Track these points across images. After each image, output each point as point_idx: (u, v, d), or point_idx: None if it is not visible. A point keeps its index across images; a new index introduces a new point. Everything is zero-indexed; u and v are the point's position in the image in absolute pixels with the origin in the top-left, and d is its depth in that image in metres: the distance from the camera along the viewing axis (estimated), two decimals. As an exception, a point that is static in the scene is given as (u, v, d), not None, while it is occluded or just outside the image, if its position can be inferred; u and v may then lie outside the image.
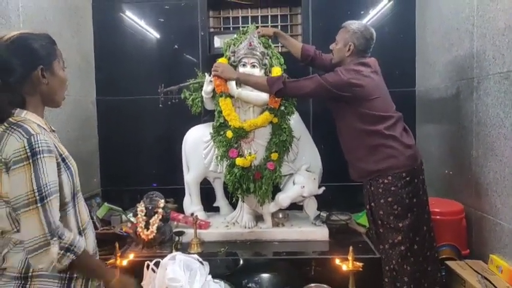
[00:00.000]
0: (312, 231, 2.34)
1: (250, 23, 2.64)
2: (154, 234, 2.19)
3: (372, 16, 2.89)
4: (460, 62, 2.29)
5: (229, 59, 2.33)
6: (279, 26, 2.98)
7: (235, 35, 2.44)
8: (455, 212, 2.22)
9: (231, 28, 3.03)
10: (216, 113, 2.34)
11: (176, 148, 2.54)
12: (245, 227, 2.36)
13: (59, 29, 2.50)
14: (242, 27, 2.51)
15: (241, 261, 2.07)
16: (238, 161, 2.24)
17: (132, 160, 2.97)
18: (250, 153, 2.29)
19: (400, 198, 1.92)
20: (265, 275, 2.04)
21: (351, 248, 1.79)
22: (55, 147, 1.14)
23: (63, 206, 1.15)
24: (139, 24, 2.99)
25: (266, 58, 2.31)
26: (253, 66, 2.27)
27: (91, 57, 2.97)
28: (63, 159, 1.17)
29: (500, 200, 1.92)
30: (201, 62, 2.90)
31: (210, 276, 1.76)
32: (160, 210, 2.25)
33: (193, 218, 2.24)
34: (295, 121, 2.39)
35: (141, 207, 2.24)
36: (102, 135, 3.02)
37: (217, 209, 2.67)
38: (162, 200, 2.30)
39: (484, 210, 2.08)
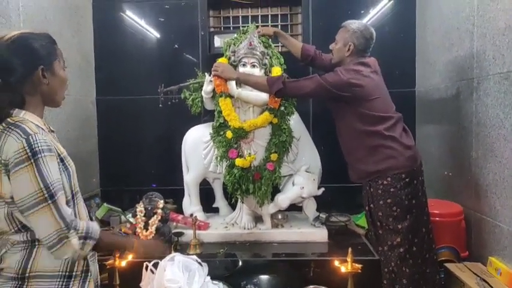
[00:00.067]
0: (311, 233, 2.34)
1: (250, 22, 2.64)
2: (153, 234, 2.18)
3: (372, 16, 2.88)
4: (460, 62, 2.28)
5: (229, 58, 2.32)
6: (279, 26, 2.98)
7: (235, 35, 2.43)
8: (454, 213, 2.21)
9: (231, 28, 3.03)
10: (215, 113, 2.34)
11: (176, 148, 2.54)
12: (244, 228, 2.36)
13: (59, 29, 2.50)
14: (242, 26, 2.51)
15: (240, 263, 2.07)
16: (238, 162, 2.24)
17: (132, 160, 2.97)
18: (249, 153, 2.29)
19: (399, 200, 1.91)
20: (264, 277, 2.03)
21: (350, 250, 1.78)
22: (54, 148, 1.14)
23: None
24: (140, 23, 2.99)
25: (266, 58, 2.30)
26: (253, 66, 2.26)
27: (91, 56, 2.97)
28: (62, 160, 1.18)
29: (500, 201, 1.92)
30: (201, 61, 2.90)
31: (208, 277, 1.75)
32: (159, 210, 2.25)
33: (192, 218, 2.24)
34: (295, 121, 2.39)
35: (140, 207, 2.24)
36: (102, 135, 3.02)
37: (216, 210, 2.67)
38: (162, 201, 2.30)
39: (483, 212, 2.08)
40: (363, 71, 1.97)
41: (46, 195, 1.06)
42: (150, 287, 1.65)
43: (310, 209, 2.40)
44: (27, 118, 1.13)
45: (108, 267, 1.85)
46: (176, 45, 2.97)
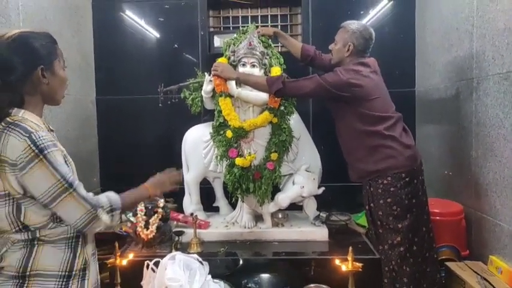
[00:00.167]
0: (311, 232, 2.34)
1: (250, 22, 2.64)
2: (154, 233, 2.19)
3: (372, 16, 2.89)
4: (460, 62, 2.29)
5: (229, 58, 2.33)
6: (279, 26, 2.98)
7: (235, 35, 2.43)
8: (454, 212, 2.22)
9: (231, 28, 3.03)
10: (215, 112, 2.34)
11: (176, 148, 2.54)
12: (245, 227, 2.36)
13: (59, 29, 2.50)
14: (242, 26, 2.51)
15: (241, 261, 2.07)
16: (238, 161, 2.24)
17: (132, 160, 2.96)
18: (249, 153, 2.29)
19: (399, 199, 1.92)
20: (264, 275, 2.04)
21: (350, 249, 1.80)
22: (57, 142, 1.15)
23: None
24: (139, 23, 2.99)
25: (266, 58, 2.31)
26: (253, 65, 2.26)
27: (91, 56, 2.97)
28: (63, 157, 1.18)
29: (500, 200, 1.92)
30: (201, 61, 2.90)
31: (209, 276, 1.75)
32: (160, 209, 2.25)
33: (192, 217, 2.24)
34: (295, 121, 2.39)
35: (140, 206, 2.24)
36: (102, 135, 3.02)
37: (216, 209, 2.67)
38: (162, 200, 2.30)
39: (483, 211, 2.08)
40: (362, 71, 1.97)
41: (66, 185, 1.08)
42: (151, 286, 1.66)
43: (311, 208, 2.41)
44: (27, 117, 1.13)
45: (109, 266, 1.86)
46: (176, 45, 2.97)
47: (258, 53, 2.26)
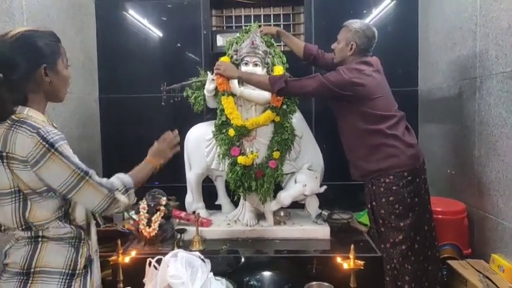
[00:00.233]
0: (313, 230, 2.34)
1: (252, 21, 2.64)
2: (156, 231, 2.19)
3: (375, 15, 2.89)
4: (463, 61, 2.29)
5: (231, 57, 2.33)
6: (282, 25, 2.98)
7: (237, 34, 2.44)
8: (457, 211, 2.21)
9: (234, 27, 3.04)
10: (218, 111, 2.35)
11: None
12: (247, 225, 2.36)
13: (62, 27, 2.51)
14: (245, 26, 2.52)
15: (243, 259, 2.08)
16: (240, 159, 2.24)
17: (134, 158, 2.96)
18: (252, 151, 2.29)
19: (401, 198, 1.91)
20: (266, 273, 2.04)
21: (352, 247, 1.80)
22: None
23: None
24: (142, 22, 3.00)
25: (268, 57, 2.31)
26: (256, 64, 2.27)
27: (94, 55, 2.98)
28: None
29: (502, 199, 1.92)
30: (204, 60, 2.91)
31: (211, 273, 1.76)
32: (162, 207, 2.26)
33: (195, 215, 2.24)
34: (297, 120, 2.40)
35: (143, 204, 2.25)
36: (105, 133, 3.03)
37: (219, 207, 2.68)
38: (164, 198, 2.31)
39: (486, 210, 2.08)
40: (365, 70, 1.97)
41: (82, 174, 1.12)
42: (153, 283, 1.66)
43: (313, 206, 2.41)
44: (31, 115, 1.14)
45: (111, 263, 1.87)
46: (179, 44, 2.98)
47: (260, 52, 2.27)
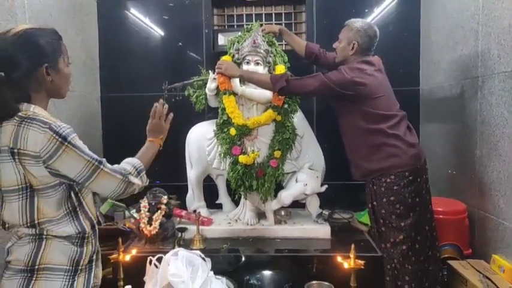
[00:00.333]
0: (314, 229, 2.34)
1: (254, 20, 2.65)
2: (157, 230, 2.20)
3: (377, 14, 2.88)
4: (465, 60, 2.28)
5: (233, 56, 2.33)
6: (283, 24, 2.98)
7: (239, 33, 2.44)
8: (457, 211, 2.21)
9: (235, 26, 3.04)
10: (219, 110, 2.35)
11: (179, 145, 2.55)
12: (247, 224, 2.37)
13: (64, 26, 2.51)
14: (246, 24, 2.52)
15: (243, 258, 2.08)
16: (241, 159, 2.25)
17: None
18: (253, 150, 2.30)
19: (402, 198, 1.91)
20: (267, 272, 2.04)
21: (352, 246, 1.80)
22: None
23: (79, 193, 1.22)
24: (144, 21, 3.00)
25: (270, 56, 2.31)
26: (257, 63, 2.27)
27: (96, 54, 2.99)
28: None
29: (504, 199, 1.92)
30: (205, 59, 2.91)
31: (212, 272, 1.76)
32: (163, 206, 2.26)
33: (196, 214, 2.25)
34: (298, 119, 2.40)
35: (144, 203, 2.26)
36: (107, 132, 3.04)
37: (219, 206, 2.68)
38: (165, 196, 2.31)
39: (486, 210, 2.07)
40: (366, 69, 1.97)
41: (95, 163, 1.15)
42: (153, 281, 1.67)
43: (313, 205, 2.41)
44: (37, 111, 1.14)
45: (112, 261, 1.87)
46: (180, 43, 2.98)
47: (262, 51, 2.27)
